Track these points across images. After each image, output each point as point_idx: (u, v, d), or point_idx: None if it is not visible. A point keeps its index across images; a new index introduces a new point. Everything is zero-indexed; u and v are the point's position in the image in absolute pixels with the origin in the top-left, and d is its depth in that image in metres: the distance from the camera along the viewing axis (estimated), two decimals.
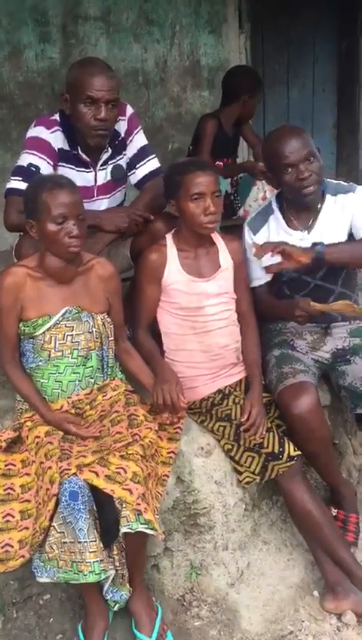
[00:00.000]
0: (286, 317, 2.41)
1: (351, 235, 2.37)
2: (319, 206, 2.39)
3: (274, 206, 2.47)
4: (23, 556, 1.86)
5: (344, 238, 2.35)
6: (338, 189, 2.41)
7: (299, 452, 2.17)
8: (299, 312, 2.27)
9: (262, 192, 3.42)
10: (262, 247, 2.29)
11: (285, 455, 2.14)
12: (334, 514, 2.39)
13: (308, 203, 2.35)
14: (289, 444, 2.17)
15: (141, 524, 1.84)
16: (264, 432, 2.17)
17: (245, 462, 2.21)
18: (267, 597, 2.20)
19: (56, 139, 2.35)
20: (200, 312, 2.29)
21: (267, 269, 2.37)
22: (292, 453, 2.15)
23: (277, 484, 2.22)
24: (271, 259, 2.30)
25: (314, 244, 2.28)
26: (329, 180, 2.46)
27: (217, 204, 2.21)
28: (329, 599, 2.17)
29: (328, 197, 2.39)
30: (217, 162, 3.54)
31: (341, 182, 2.49)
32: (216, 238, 2.37)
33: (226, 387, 2.33)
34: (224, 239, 2.38)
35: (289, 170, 2.26)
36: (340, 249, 2.30)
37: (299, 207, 2.39)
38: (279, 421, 2.30)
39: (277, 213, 2.44)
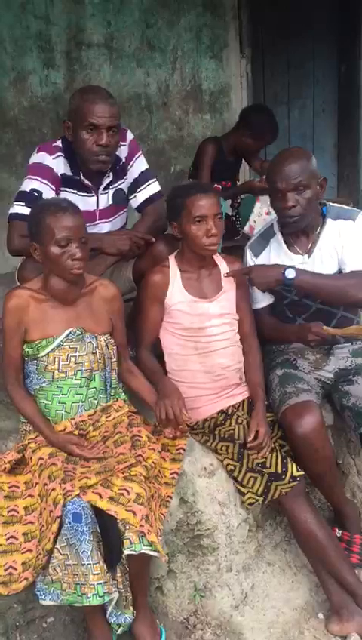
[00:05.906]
0: (296, 341, 2.42)
1: None
2: (318, 230, 2.39)
3: (276, 229, 2.48)
4: (26, 579, 1.86)
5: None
6: (340, 214, 2.40)
7: (302, 472, 2.17)
8: (311, 337, 2.28)
9: (265, 207, 3.44)
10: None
11: (288, 475, 2.14)
12: (338, 535, 2.38)
13: (292, 229, 2.35)
14: (292, 464, 2.17)
15: (144, 545, 1.83)
16: (267, 452, 2.17)
17: (248, 482, 2.21)
18: (271, 619, 2.18)
19: (59, 165, 2.39)
20: (203, 333, 2.31)
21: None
22: (295, 474, 2.15)
23: (281, 505, 2.22)
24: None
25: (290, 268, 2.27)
26: (331, 203, 2.46)
27: (218, 226, 2.24)
28: (334, 621, 2.15)
29: (329, 221, 2.38)
30: (216, 185, 3.57)
31: (344, 206, 2.49)
32: (218, 259, 2.39)
33: (229, 407, 2.34)
34: (226, 260, 2.41)
35: (279, 196, 2.28)
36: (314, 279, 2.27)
37: (298, 231, 2.39)
38: (282, 441, 2.30)
39: (279, 236, 2.45)
